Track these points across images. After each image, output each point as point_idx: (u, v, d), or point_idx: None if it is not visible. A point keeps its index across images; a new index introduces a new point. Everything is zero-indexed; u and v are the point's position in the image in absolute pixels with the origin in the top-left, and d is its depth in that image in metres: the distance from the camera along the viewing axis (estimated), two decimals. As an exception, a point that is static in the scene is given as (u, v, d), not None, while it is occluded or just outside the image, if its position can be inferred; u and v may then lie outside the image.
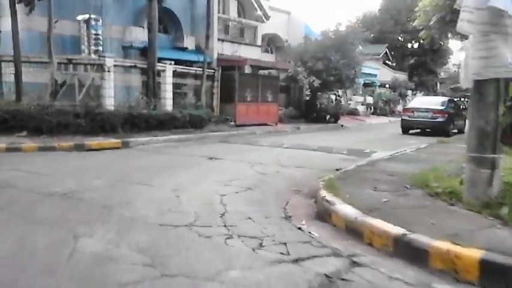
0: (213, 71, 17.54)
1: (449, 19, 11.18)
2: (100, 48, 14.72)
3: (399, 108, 37.03)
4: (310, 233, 4.29)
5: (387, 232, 3.82)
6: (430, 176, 6.02)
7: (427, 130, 17.75)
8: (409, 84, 37.87)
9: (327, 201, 4.91)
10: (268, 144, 12.74)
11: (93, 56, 14.27)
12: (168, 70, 15.36)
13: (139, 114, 13.17)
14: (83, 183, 6.40)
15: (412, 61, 42.12)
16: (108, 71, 13.38)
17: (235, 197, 5.84)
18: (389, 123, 26.76)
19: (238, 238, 4.07)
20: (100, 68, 13.48)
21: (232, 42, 19.79)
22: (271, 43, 23.75)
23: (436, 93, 43.14)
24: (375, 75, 34.02)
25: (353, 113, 28.07)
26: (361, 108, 30.01)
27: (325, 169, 7.76)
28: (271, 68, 20.81)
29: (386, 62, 40.41)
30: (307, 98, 24.45)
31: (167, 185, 6.40)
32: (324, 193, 5.23)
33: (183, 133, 13.70)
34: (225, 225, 4.46)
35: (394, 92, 35.99)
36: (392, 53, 41.39)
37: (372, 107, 32.18)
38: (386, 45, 39.29)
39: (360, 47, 22.89)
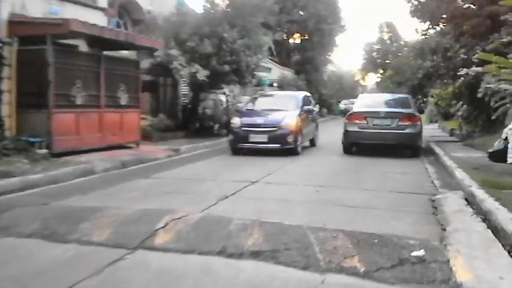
0: (-2, 43, 8.44)
1: None
2: None
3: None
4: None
5: None
6: None
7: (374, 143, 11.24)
8: (299, 82, 31.94)
9: None
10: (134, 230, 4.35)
11: None
12: None
13: None
14: None
15: (298, 56, 36.30)
16: None
17: None
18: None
19: None
20: None
21: (46, -5, 10.48)
22: (125, 13, 14.97)
23: (322, 94, 38.49)
24: (269, 69, 27.07)
25: (246, 119, 20.61)
26: (254, 114, 22.67)
27: None
28: (125, 48, 11.89)
29: (268, 57, 34.02)
30: (185, 100, 16.60)
31: None
32: None
33: None
34: None
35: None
36: (276, 47, 35.08)
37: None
38: (269, 36, 32.79)
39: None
